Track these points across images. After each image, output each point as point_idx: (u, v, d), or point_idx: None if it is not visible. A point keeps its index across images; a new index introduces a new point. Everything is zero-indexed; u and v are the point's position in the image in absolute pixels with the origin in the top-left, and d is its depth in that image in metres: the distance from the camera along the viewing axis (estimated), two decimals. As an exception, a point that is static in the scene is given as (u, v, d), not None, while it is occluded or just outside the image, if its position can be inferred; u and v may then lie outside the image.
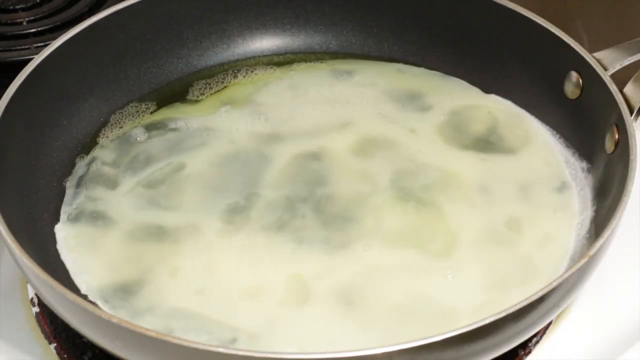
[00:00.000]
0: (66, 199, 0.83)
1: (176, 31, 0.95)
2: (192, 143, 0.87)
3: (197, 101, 0.93)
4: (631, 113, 0.78)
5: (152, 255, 0.77)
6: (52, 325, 0.78)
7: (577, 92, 0.85)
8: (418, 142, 0.87)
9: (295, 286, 0.75)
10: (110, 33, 0.91)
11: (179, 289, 0.75)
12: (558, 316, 0.79)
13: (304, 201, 0.81)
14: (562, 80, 0.86)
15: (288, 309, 0.73)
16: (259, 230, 0.79)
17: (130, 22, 0.92)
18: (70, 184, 0.84)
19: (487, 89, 0.93)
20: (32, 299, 0.80)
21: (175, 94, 0.94)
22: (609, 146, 0.79)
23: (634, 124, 0.77)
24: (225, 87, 0.94)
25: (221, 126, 0.89)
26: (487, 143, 0.87)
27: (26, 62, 0.84)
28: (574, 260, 0.76)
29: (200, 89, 0.94)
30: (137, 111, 0.92)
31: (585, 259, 0.67)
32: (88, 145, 0.88)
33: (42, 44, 1.01)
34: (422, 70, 0.95)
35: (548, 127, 0.88)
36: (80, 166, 0.86)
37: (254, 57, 0.98)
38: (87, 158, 0.87)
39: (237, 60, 0.98)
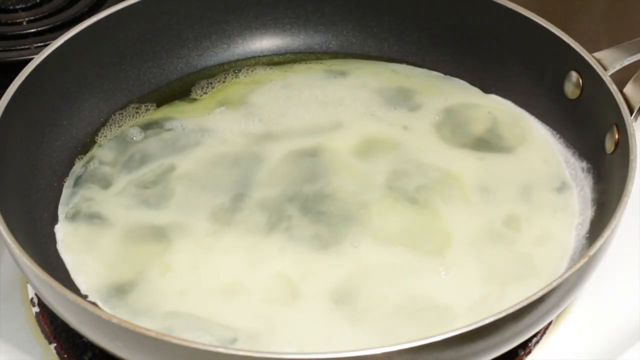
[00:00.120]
0: (63, 198, 0.83)
1: (176, 31, 0.95)
2: (186, 144, 0.87)
3: (195, 100, 0.93)
4: (631, 113, 0.78)
5: (150, 255, 0.77)
6: (52, 325, 0.78)
7: (577, 92, 0.85)
8: (416, 142, 0.87)
9: (287, 285, 0.75)
10: (110, 33, 0.91)
11: (176, 288, 0.75)
12: (558, 316, 0.79)
13: (296, 200, 0.81)
14: (562, 80, 0.86)
15: (283, 308, 0.73)
16: (251, 229, 0.79)
17: (130, 22, 0.92)
18: (68, 184, 0.84)
19: (487, 89, 0.93)
20: (32, 299, 0.80)
21: (175, 94, 0.94)
22: (609, 146, 0.79)
23: (634, 124, 0.77)
24: (225, 87, 0.94)
25: (215, 127, 0.89)
26: (487, 143, 0.87)
27: (26, 62, 0.84)
28: (574, 260, 0.76)
29: (200, 89, 0.94)
30: (137, 111, 0.92)
31: (585, 259, 0.67)
32: (88, 145, 0.88)
33: (42, 44, 1.01)
34: (420, 70, 0.96)
35: (548, 127, 0.88)
36: (78, 165, 0.86)
37: (254, 57, 0.98)
38: (86, 157, 0.87)
39: (237, 60, 0.98)
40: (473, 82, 0.94)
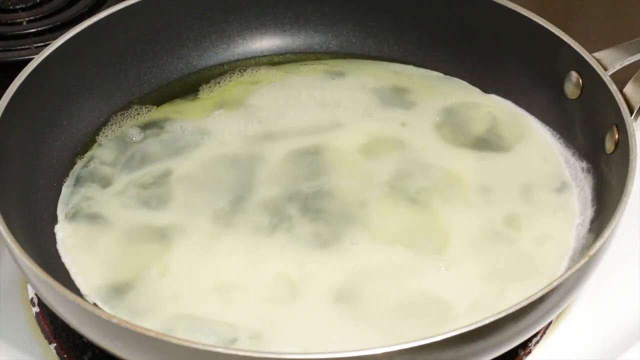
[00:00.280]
0: (62, 198, 0.83)
1: (176, 31, 0.95)
2: (186, 145, 0.87)
3: (195, 100, 0.93)
4: (631, 113, 0.78)
5: (150, 256, 0.77)
6: (52, 325, 0.78)
7: (577, 92, 0.85)
8: (416, 142, 0.87)
9: (288, 285, 0.75)
10: (110, 33, 0.91)
11: (176, 288, 0.75)
12: (558, 316, 0.79)
13: (296, 199, 0.81)
14: (562, 80, 0.86)
15: (284, 308, 0.73)
16: (253, 230, 0.79)
17: (130, 22, 0.92)
18: (67, 183, 0.84)
19: (487, 89, 0.93)
20: (32, 299, 0.80)
21: (175, 94, 0.94)
22: (609, 146, 0.79)
23: (634, 124, 0.77)
24: (225, 87, 0.94)
25: (214, 129, 0.89)
26: (487, 143, 0.87)
27: (26, 62, 0.84)
28: (574, 260, 0.76)
29: (200, 89, 0.94)
30: (137, 111, 0.92)
31: (585, 259, 0.67)
32: (88, 145, 0.88)
33: (42, 44, 1.01)
34: (420, 70, 0.95)
35: (548, 127, 0.88)
36: (78, 165, 0.86)
37: (254, 57, 0.98)
38: (86, 157, 0.87)
39: (237, 60, 0.98)
40: (473, 82, 0.94)
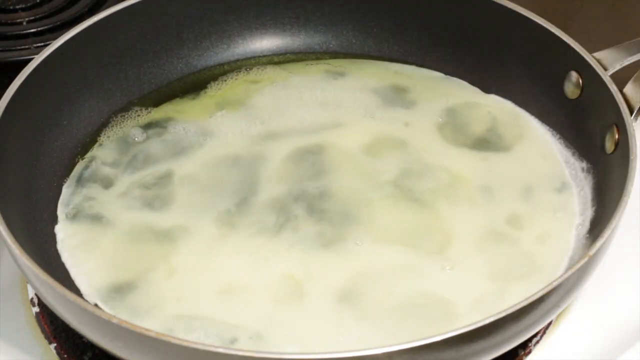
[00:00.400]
0: (63, 198, 0.83)
1: (176, 31, 0.95)
2: (188, 146, 0.87)
3: (195, 99, 0.93)
4: (631, 113, 0.78)
5: (151, 256, 0.77)
6: (52, 325, 0.78)
7: (577, 92, 0.85)
8: (418, 142, 0.87)
9: (292, 285, 0.75)
10: (110, 33, 0.91)
11: (178, 289, 0.75)
12: (558, 316, 0.79)
13: (300, 200, 0.81)
14: (562, 80, 0.86)
15: (286, 307, 0.73)
16: (256, 230, 0.79)
17: (130, 22, 0.92)
18: (68, 184, 0.84)
19: (487, 89, 0.93)
20: (32, 299, 0.80)
21: (176, 94, 0.94)
22: (609, 146, 0.79)
23: (634, 124, 0.77)
24: (225, 87, 0.94)
25: (217, 129, 0.89)
26: (487, 143, 0.87)
27: (26, 62, 0.84)
28: (574, 260, 0.76)
29: (200, 88, 0.94)
30: (137, 111, 0.92)
31: (585, 259, 0.67)
32: (88, 145, 0.88)
33: (42, 44, 1.01)
34: (420, 70, 0.95)
35: (548, 127, 0.88)
36: (79, 165, 0.86)
37: (254, 57, 0.98)
38: (87, 157, 0.87)
39: (237, 60, 0.98)
40: (473, 82, 0.94)
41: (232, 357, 0.61)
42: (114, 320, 0.63)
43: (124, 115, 0.91)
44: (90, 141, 0.89)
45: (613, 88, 0.79)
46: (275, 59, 0.98)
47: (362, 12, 0.97)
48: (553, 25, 0.87)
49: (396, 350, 0.61)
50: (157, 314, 0.73)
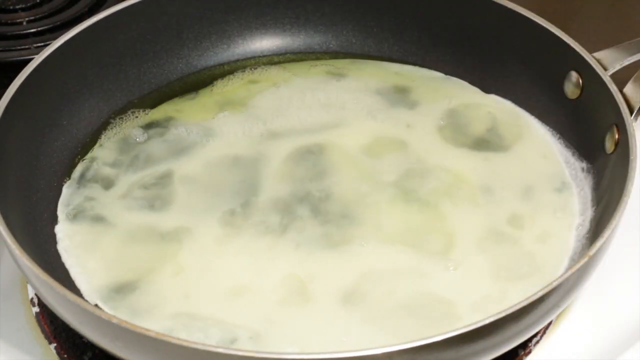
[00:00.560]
0: (63, 198, 0.83)
1: (176, 31, 0.95)
2: (190, 146, 0.87)
3: (196, 99, 0.93)
4: (631, 113, 0.78)
5: (152, 257, 0.77)
6: (52, 325, 0.78)
7: (577, 92, 0.85)
8: (419, 142, 0.87)
9: (294, 285, 0.75)
10: (110, 33, 0.91)
11: (179, 289, 0.75)
12: (558, 316, 0.79)
13: (302, 200, 0.81)
14: (562, 80, 0.86)
15: (288, 308, 0.73)
16: (258, 231, 0.79)
17: (130, 22, 0.92)
18: (69, 184, 0.84)
19: (487, 89, 0.93)
20: (32, 299, 0.80)
21: (175, 94, 0.94)
22: (609, 146, 0.79)
23: (634, 124, 0.77)
24: (225, 87, 0.94)
25: (219, 130, 0.89)
26: (487, 143, 0.87)
27: (26, 62, 0.84)
28: (574, 260, 0.76)
29: (200, 89, 0.94)
30: (137, 111, 0.92)
31: (585, 259, 0.67)
32: (88, 145, 0.88)
33: (42, 44, 1.01)
34: (421, 70, 0.96)
35: (548, 127, 0.88)
36: (80, 166, 0.86)
37: (254, 57, 0.98)
38: (87, 157, 0.87)
39: (237, 60, 0.98)
40: (473, 82, 0.94)
41: (232, 357, 0.61)
42: (114, 320, 0.63)
43: (124, 115, 0.91)
44: (90, 141, 0.89)
45: (613, 88, 0.79)
46: (275, 59, 0.98)
47: (362, 12, 0.98)
48: (553, 25, 0.87)
49: (396, 350, 0.61)
50: (158, 314, 0.73)
